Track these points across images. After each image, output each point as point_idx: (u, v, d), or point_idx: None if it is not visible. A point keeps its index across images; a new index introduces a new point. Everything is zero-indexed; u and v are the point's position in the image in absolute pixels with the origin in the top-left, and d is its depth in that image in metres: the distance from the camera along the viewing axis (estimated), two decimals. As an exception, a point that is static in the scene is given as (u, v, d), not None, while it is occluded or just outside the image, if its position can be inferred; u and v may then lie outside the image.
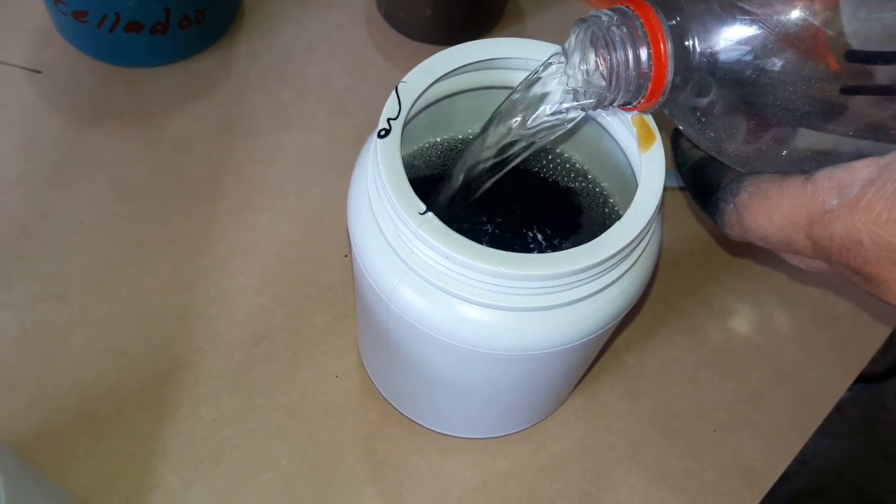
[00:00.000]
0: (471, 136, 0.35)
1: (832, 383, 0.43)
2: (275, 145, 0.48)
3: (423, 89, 0.29)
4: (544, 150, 0.36)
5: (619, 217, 0.34)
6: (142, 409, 0.39)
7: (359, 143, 0.50)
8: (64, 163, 0.46)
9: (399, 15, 0.52)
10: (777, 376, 0.43)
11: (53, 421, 0.38)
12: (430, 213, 0.27)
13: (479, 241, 0.27)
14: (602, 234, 0.27)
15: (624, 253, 0.27)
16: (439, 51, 0.52)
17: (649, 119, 0.30)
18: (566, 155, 0.36)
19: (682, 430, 0.42)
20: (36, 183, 0.45)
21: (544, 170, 0.36)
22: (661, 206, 0.29)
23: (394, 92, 0.29)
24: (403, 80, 0.29)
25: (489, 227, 0.35)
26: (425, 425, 0.40)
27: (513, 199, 0.35)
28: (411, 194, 0.27)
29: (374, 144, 0.28)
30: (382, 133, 0.28)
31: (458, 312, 0.28)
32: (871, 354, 0.44)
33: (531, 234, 0.35)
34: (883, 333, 0.45)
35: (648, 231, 0.29)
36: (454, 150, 0.35)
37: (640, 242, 0.29)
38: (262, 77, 0.51)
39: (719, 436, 0.41)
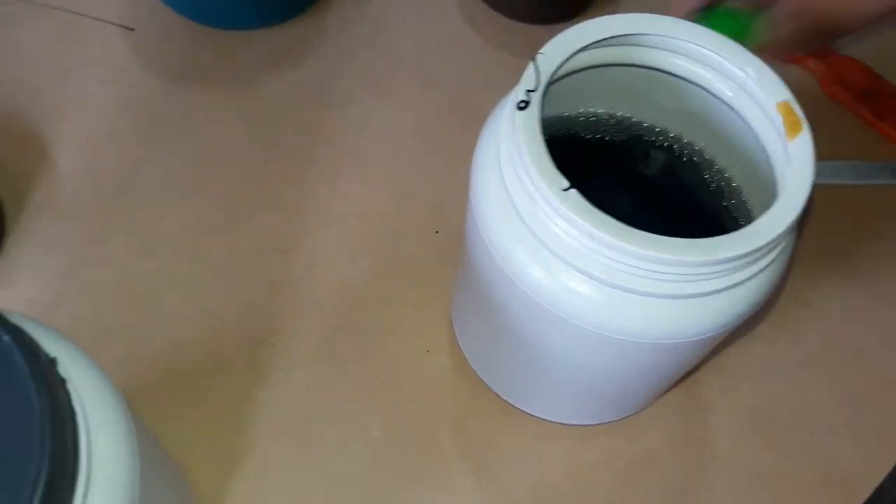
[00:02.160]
0: (599, 113, 0.34)
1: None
2: (366, 115, 0.48)
3: (561, 61, 0.29)
4: (665, 135, 0.35)
5: (745, 207, 0.33)
6: (236, 371, 0.39)
7: (448, 116, 0.50)
8: (157, 122, 0.46)
9: (495, -11, 0.51)
10: (877, 382, 0.42)
11: (148, 378, 0.38)
12: (573, 190, 0.26)
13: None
14: (755, 221, 0.26)
15: (776, 241, 0.26)
16: (529, 28, 0.51)
17: (795, 106, 0.29)
18: (691, 142, 0.35)
19: (778, 430, 0.40)
20: (130, 140, 0.45)
21: (669, 158, 0.35)
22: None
23: (531, 63, 0.28)
24: (541, 50, 0.29)
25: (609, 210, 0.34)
26: (519, 407, 0.39)
27: (633, 185, 0.34)
28: (553, 169, 0.26)
29: (513, 116, 0.27)
30: (522, 105, 0.27)
31: (593, 295, 0.27)
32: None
33: (650, 220, 0.34)
34: None
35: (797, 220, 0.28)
36: (583, 124, 0.34)
37: (789, 232, 0.28)
38: (354, 46, 0.50)
39: (816, 439, 0.40)
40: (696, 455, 0.39)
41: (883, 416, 0.41)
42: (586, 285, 0.27)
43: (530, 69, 0.28)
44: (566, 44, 0.29)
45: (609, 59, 0.31)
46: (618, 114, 0.35)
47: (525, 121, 0.27)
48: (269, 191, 0.44)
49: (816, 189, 0.47)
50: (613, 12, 0.53)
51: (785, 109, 0.29)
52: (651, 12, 0.52)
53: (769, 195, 0.31)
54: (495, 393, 0.40)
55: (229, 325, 0.40)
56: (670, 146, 0.35)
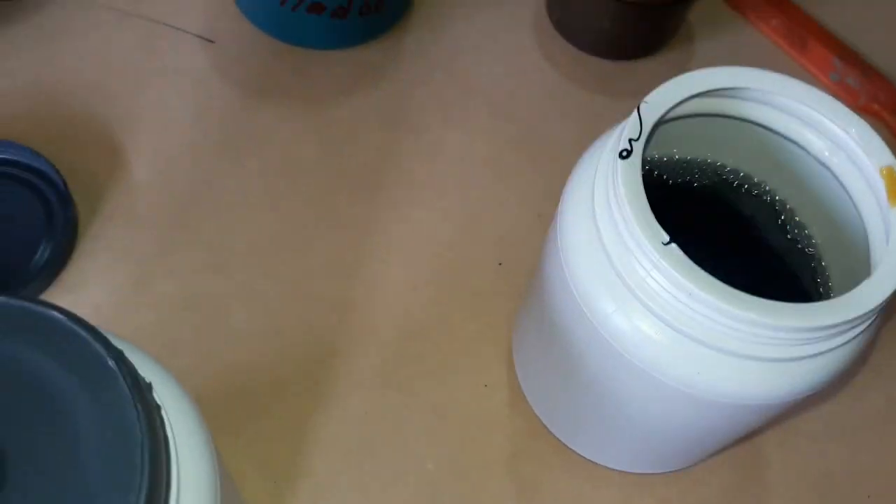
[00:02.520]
0: (688, 159, 0.34)
1: None
2: (437, 142, 0.47)
3: (664, 111, 0.28)
4: (751, 186, 0.34)
5: (822, 272, 0.33)
6: (295, 392, 0.39)
7: (518, 150, 0.49)
8: (232, 135, 0.46)
9: (573, 23, 0.51)
10: (946, 451, 0.41)
11: (208, 394, 0.38)
12: (673, 245, 0.25)
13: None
14: (858, 288, 0.25)
15: (877, 309, 0.25)
16: (604, 63, 0.51)
17: (899, 171, 0.28)
18: (777, 196, 0.34)
19: (835, 490, 0.40)
20: (205, 152, 0.45)
21: (752, 210, 0.34)
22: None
23: (635, 111, 0.28)
24: (645, 100, 0.28)
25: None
26: (575, 450, 0.39)
27: (713, 231, 0.34)
28: (653, 222, 0.26)
29: (614, 164, 0.27)
30: (624, 154, 0.27)
31: (680, 349, 0.27)
32: None
33: (727, 271, 0.33)
34: None
35: None
36: (669, 166, 0.34)
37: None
38: (428, 73, 0.50)
39: (874, 502, 0.39)
40: (754, 513, 0.38)
41: (953, 488, 0.40)
42: (672, 338, 0.27)
43: (634, 118, 0.28)
44: (670, 94, 0.29)
45: (706, 110, 0.31)
46: (706, 160, 0.34)
47: (627, 170, 0.27)
48: (338, 211, 0.44)
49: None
50: (690, 50, 0.53)
51: (889, 175, 0.28)
52: (726, 51, 0.52)
53: (854, 259, 0.30)
54: (552, 433, 0.39)
55: (291, 344, 0.40)
56: (755, 197, 0.34)
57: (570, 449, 0.39)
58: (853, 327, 0.27)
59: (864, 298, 0.25)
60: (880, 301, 0.25)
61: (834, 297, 0.28)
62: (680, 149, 0.34)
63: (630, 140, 0.27)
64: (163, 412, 0.21)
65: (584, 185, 0.29)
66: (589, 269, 0.28)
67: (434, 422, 0.39)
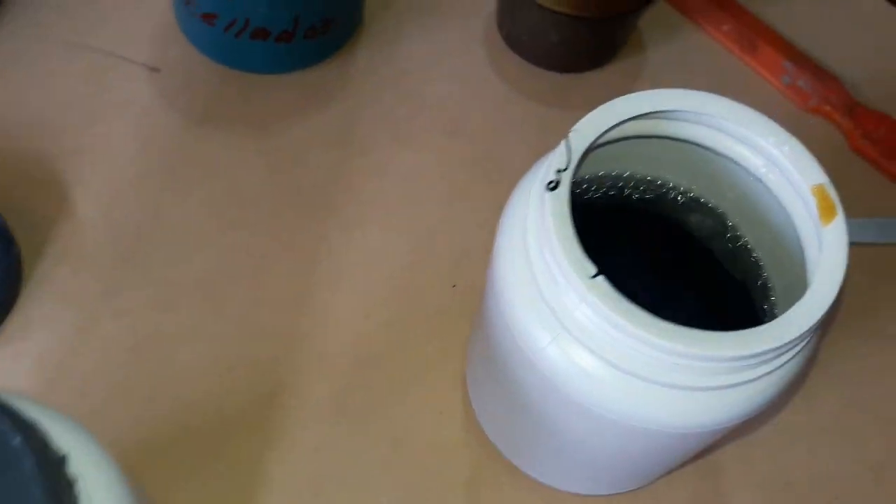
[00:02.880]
0: (624, 176, 0.34)
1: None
2: (388, 162, 0.47)
3: (593, 138, 0.28)
4: (690, 203, 0.34)
5: (766, 283, 0.33)
6: (247, 430, 0.38)
7: (472, 167, 0.49)
8: (178, 165, 0.45)
9: (523, 38, 0.51)
10: (902, 451, 0.41)
11: (160, 436, 0.38)
12: (600, 277, 0.25)
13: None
14: (787, 313, 0.25)
15: (810, 332, 0.25)
16: (557, 77, 0.51)
17: (831, 189, 0.28)
18: (718, 213, 0.34)
19: (797, 498, 0.40)
20: (150, 184, 0.45)
21: (693, 228, 0.34)
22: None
23: (563, 142, 0.28)
24: (574, 128, 0.28)
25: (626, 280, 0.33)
26: (530, 474, 0.38)
27: (651, 251, 0.34)
28: (581, 255, 0.25)
29: (542, 196, 0.27)
30: (551, 185, 0.27)
31: (613, 381, 0.27)
32: None
33: (668, 292, 0.33)
34: None
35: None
36: (605, 183, 0.34)
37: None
38: (379, 92, 0.50)
39: (835, 507, 0.39)
40: (715, 529, 0.38)
41: (911, 491, 0.40)
42: (606, 371, 0.27)
43: (562, 148, 0.27)
44: (599, 121, 0.28)
45: (641, 132, 0.31)
46: (645, 177, 0.34)
47: (554, 202, 0.26)
48: (287, 239, 0.44)
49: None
50: (642, 59, 0.53)
51: (820, 193, 0.28)
52: (677, 57, 0.52)
53: (795, 276, 0.30)
54: (507, 459, 0.39)
55: (241, 380, 0.39)
56: (695, 213, 0.34)
57: (526, 474, 0.38)
58: (791, 348, 0.27)
59: (797, 320, 0.25)
60: (812, 324, 0.25)
61: (778, 314, 0.28)
62: (617, 166, 0.34)
63: (558, 170, 0.27)
64: (79, 484, 0.20)
65: (519, 211, 0.29)
66: (522, 300, 0.28)
67: (388, 453, 0.39)
